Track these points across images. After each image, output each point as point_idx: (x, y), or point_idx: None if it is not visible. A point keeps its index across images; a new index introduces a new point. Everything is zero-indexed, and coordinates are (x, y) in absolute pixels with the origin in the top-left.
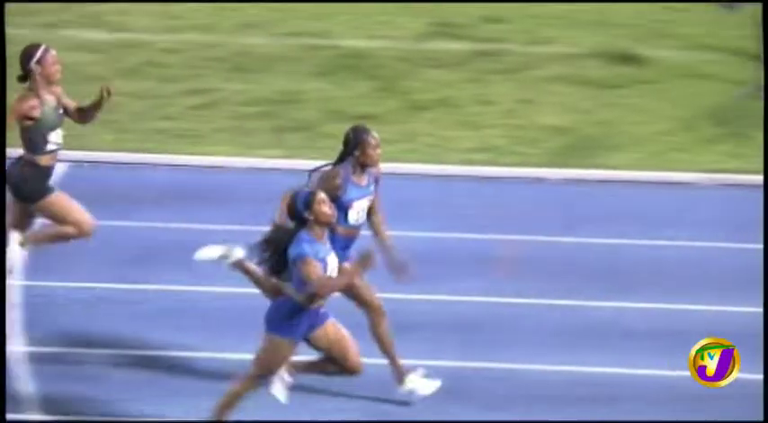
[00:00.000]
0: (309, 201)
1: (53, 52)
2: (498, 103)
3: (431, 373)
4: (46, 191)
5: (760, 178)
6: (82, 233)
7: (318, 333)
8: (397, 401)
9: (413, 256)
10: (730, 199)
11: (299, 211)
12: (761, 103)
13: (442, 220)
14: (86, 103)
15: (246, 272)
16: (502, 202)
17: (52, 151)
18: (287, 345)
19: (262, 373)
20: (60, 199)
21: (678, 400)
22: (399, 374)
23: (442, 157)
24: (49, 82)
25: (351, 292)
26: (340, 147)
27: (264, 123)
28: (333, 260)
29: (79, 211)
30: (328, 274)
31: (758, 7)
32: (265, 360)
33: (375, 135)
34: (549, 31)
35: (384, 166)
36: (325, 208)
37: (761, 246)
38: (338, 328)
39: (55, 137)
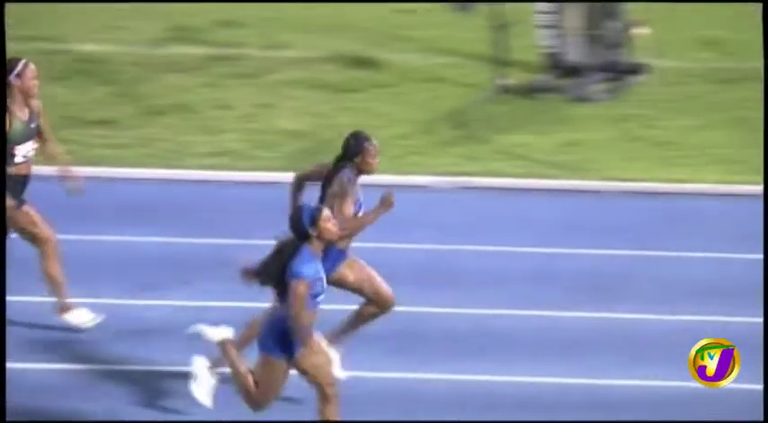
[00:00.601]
0: (315, 217)
1: (32, 67)
2: (236, 107)
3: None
4: (20, 202)
5: (494, 180)
6: (46, 243)
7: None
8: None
9: (150, 262)
10: (465, 201)
11: (304, 227)
12: (498, 107)
13: (182, 224)
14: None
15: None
16: (240, 207)
17: (20, 163)
18: (284, 365)
19: (271, 398)
20: (26, 212)
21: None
22: None
23: (180, 161)
24: (27, 97)
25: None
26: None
27: None
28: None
29: (41, 226)
30: (324, 291)
31: (493, 7)
32: (267, 385)
33: (375, 143)
34: (286, 35)
35: (121, 172)
36: (330, 225)
37: (497, 247)
38: (319, 342)
39: (23, 150)
